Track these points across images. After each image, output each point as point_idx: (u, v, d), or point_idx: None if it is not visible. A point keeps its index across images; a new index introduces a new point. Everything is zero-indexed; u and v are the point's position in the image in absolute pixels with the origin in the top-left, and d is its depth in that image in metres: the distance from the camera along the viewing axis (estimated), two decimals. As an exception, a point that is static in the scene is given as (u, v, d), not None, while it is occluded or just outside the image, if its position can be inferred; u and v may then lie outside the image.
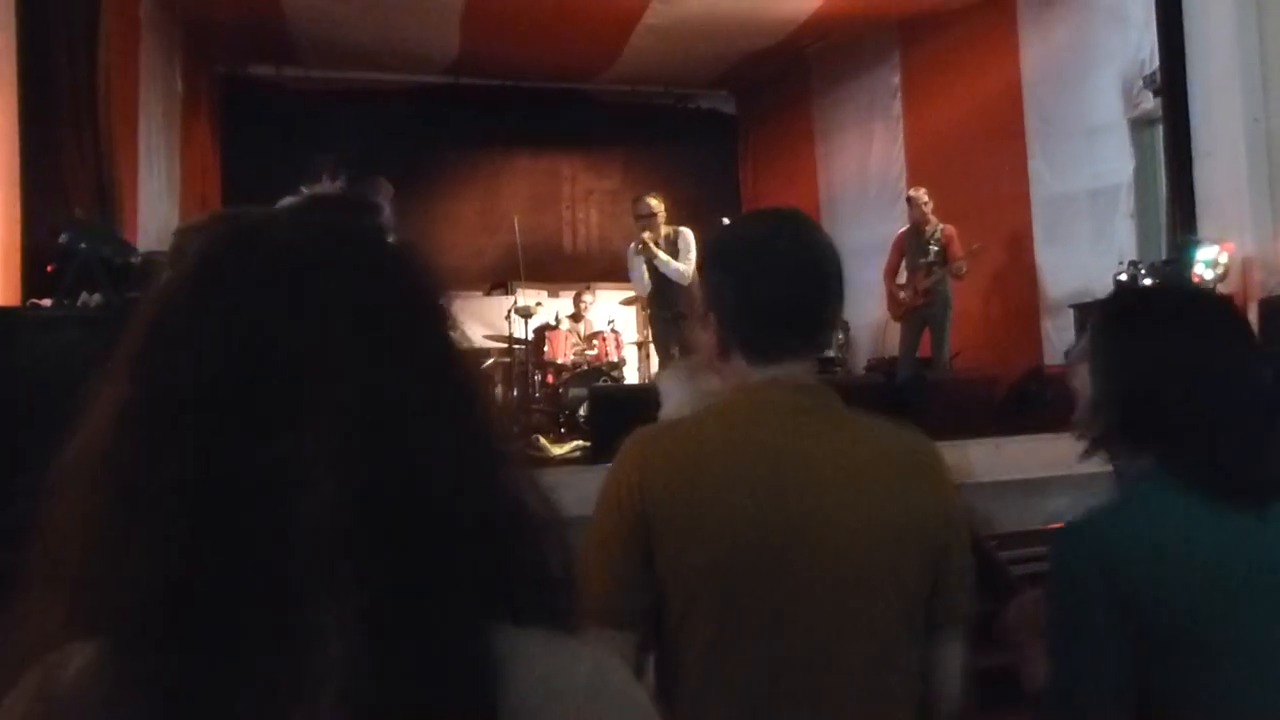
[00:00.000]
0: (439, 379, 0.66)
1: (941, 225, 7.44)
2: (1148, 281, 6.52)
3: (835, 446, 1.32)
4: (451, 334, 0.70)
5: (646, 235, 6.56)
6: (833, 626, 1.26)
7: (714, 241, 1.43)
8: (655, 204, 6.73)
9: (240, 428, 0.59)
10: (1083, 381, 1.45)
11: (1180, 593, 1.26)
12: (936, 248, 7.39)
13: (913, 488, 1.32)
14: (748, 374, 1.36)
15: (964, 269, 7.26)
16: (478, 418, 0.68)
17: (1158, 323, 1.40)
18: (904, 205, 7.88)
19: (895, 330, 7.98)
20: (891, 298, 7.68)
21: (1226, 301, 1.49)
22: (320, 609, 0.56)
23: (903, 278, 7.62)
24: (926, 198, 7.52)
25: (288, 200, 4.52)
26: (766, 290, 1.34)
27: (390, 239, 0.71)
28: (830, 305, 1.38)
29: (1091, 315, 1.49)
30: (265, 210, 0.71)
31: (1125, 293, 1.53)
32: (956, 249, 7.33)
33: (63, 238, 4.43)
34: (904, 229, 7.70)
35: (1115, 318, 1.46)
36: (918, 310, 7.47)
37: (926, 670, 1.34)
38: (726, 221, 1.44)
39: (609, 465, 1.34)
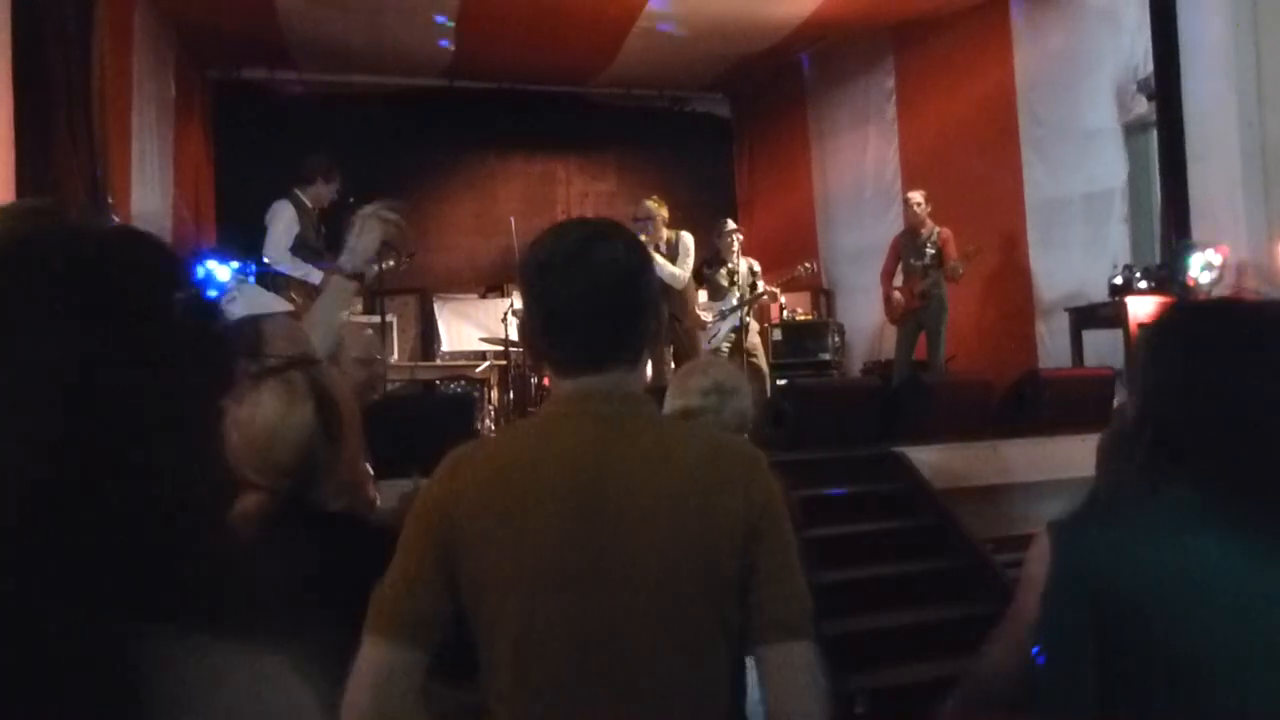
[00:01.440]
0: (153, 375, 0.65)
1: (938, 228, 7.45)
2: (1142, 285, 6.54)
3: (642, 454, 1.34)
4: (178, 335, 0.69)
5: (643, 239, 6.56)
6: (639, 631, 1.28)
7: (521, 259, 1.45)
8: (653, 207, 6.84)
9: None
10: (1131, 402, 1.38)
11: (1160, 615, 1.22)
12: (933, 250, 7.39)
13: (721, 492, 1.33)
14: (557, 386, 1.41)
15: (960, 271, 7.27)
16: (190, 422, 0.67)
17: (1196, 341, 1.33)
18: (899, 208, 7.90)
19: (891, 333, 8.00)
20: (888, 301, 7.68)
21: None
22: None
23: (899, 281, 7.62)
24: (922, 200, 7.54)
25: (278, 204, 4.51)
26: (557, 306, 1.36)
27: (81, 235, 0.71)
28: (627, 316, 1.37)
29: (1139, 341, 1.43)
30: None
31: (1172, 308, 1.42)
32: (952, 251, 7.34)
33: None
34: (900, 232, 7.70)
35: (1157, 335, 1.39)
36: (913, 313, 7.47)
37: (768, 688, 1.32)
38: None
39: None
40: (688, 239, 6.83)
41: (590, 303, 1.35)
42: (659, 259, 6.55)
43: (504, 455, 1.40)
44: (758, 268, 7.69)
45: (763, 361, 7.59)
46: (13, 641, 0.56)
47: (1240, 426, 1.26)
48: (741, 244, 7.66)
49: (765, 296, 7.69)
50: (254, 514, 1.73)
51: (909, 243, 7.54)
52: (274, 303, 5.66)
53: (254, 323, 2.69)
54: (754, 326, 7.72)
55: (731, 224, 7.83)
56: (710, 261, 7.53)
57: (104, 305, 0.66)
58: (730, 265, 7.55)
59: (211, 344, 0.72)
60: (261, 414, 1.80)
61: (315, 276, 5.79)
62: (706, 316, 7.45)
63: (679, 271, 6.67)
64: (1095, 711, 1.24)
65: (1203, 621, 1.21)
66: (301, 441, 1.82)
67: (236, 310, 2.65)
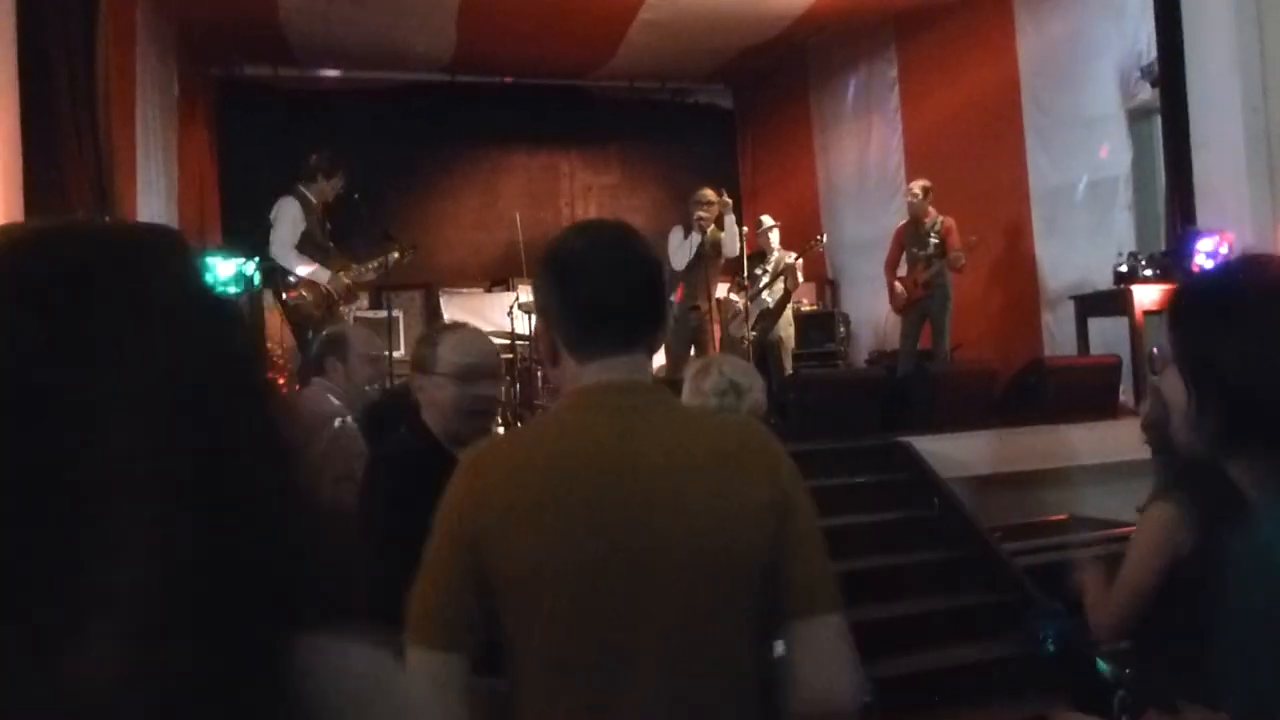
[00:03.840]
0: (234, 377, 0.67)
1: (941, 218, 7.44)
2: (1148, 272, 6.53)
3: (666, 441, 1.36)
4: (244, 333, 0.71)
5: (703, 216, 7.02)
6: (672, 619, 1.30)
7: (549, 245, 1.51)
8: (712, 194, 7.20)
9: (50, 418, 0.59)
10: (1173, 386, 1.26)
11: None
12: (936, 240, 7.38)
13: (746, 477, 1.36)
14: (578, 374, 1.42)
15: (962, 260, 7.27)
16: (269, 409, 0.69)
17: (1254, 303, 1.22)
18: (903, 198, 7.88)
19: (896, 323, 7.99)
20: (892, 291, 7.68)
21: None
22: (112, 574, 0.57)
23: (903, 271, 7.62)
24: (923, 191, 7.53)
25: (283, 200, 4.50)
26: (585, 291, 1.41)
27: (183, 249, 0.73)
28: (647, 305, 1.45)
29: (1172, 309, 1.31)
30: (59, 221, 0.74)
31: (1201, 277, 1.27)
32: (955, 241, 7.33)
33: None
34: (904, 222, 7.70)
35: (1199, 306, 1.28)
36: (917, 303, 7.47)
37: (794, 660, 1.35)
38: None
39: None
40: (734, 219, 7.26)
41: (629, 291, 1.42)
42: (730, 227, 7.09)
43: (525, 451, 1.41)
44: (796, 261, 7.80)
45: (786, 356, 7.70)
46: (188, 660, 0.57)
47: None
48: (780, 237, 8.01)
49: (786, 278, 7.79)
50: None
51: (912, 232, 7.53)
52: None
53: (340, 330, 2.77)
54: (787, 318, 7.82)
55: (769, 219, 8.15)
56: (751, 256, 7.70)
57: (193, 312, 0.67)
58: (775, 257, 7.87)
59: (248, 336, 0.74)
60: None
61: (323, 275, 5.81)
62: (737, 303, 7.55)
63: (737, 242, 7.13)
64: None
65: None
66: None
67: None
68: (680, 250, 7.01)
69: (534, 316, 1.44)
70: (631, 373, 1.42)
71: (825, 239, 7.73)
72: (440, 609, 1.32)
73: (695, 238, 6.95)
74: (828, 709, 1.35)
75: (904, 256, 7.62)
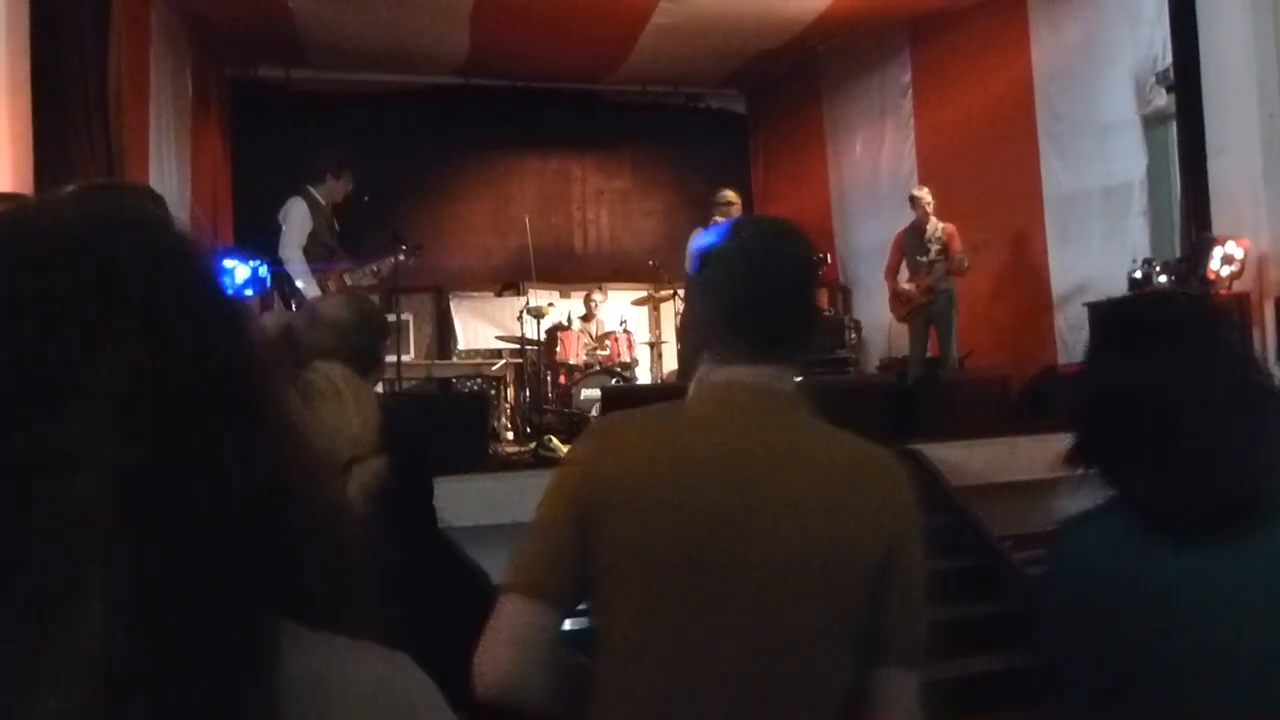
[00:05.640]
0: (222, 367, 0.64)
1: (942, 224, 7.46)
2: (1162, 279, 6.48)
3: (788, 449, 1.35)
4: (239, 325, 0.68)
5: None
6: (756, 621, 1.28)
7: (728, 234, 1.48)
8: (733, 195, 7.31)
9: (10, 411, 0.58)
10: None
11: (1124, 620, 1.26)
12: (937, 246, 7.40)
13: (862, 501, 1.34)
14: (713, 373, 1.41)
15: (966, 263, 7.27)
16: (268, 412, 0.66)
17: (1116, 345, 1.37)
18: (932, 201, 7.84)
19: (906, 330, 7.96)
20: (894, 297, 7.68)
21: (1213, 321, 1.35)
22: (80, 589, 0.55)
23: (904, 277, 7.62)
24: (929, 197, 7.54)
25: (291, 201, 4.39)
26: (740, 296, 1.39)
27: (176, 227, 0.70)
28: (800, 313, 1.44)
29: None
30: (43, 197, 0.69)
31: (1113, 304, 1.49)
32: (957, 246, 7.35)
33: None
34: (904, 229, 7.71)
35: (1097, 334, 1.44)
36: (922, 309, 7.47)
37: (872, 707, 1.35)
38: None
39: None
40: None
41: (775, 296, 1.40)
42: None
43: (651, 436, 1.40)
44: None
45: None
46: (153, 634, 0.56)
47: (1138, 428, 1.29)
48: None
49: None
50: (380, 480, 1.78)
51: (913, 239, 7.55)
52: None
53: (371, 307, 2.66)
54: None
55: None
56: None
57: (212, 298, 0.66)
58: None
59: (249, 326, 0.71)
60: (349, 393, 1.83)
61: (312, 293, 5.73)
62: None
63: None
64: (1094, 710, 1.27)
65: (1167, 622, 1.23)
66: (379, 412, 1.89)
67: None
68: None
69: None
70: (769, 379, 1.40)
71: (826, 258, 7.62)
72: (546, 562, 1.33)
73: None
74: None
75: (904, 264, 7.63)
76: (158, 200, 0.75)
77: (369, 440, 1.83)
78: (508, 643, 1.29)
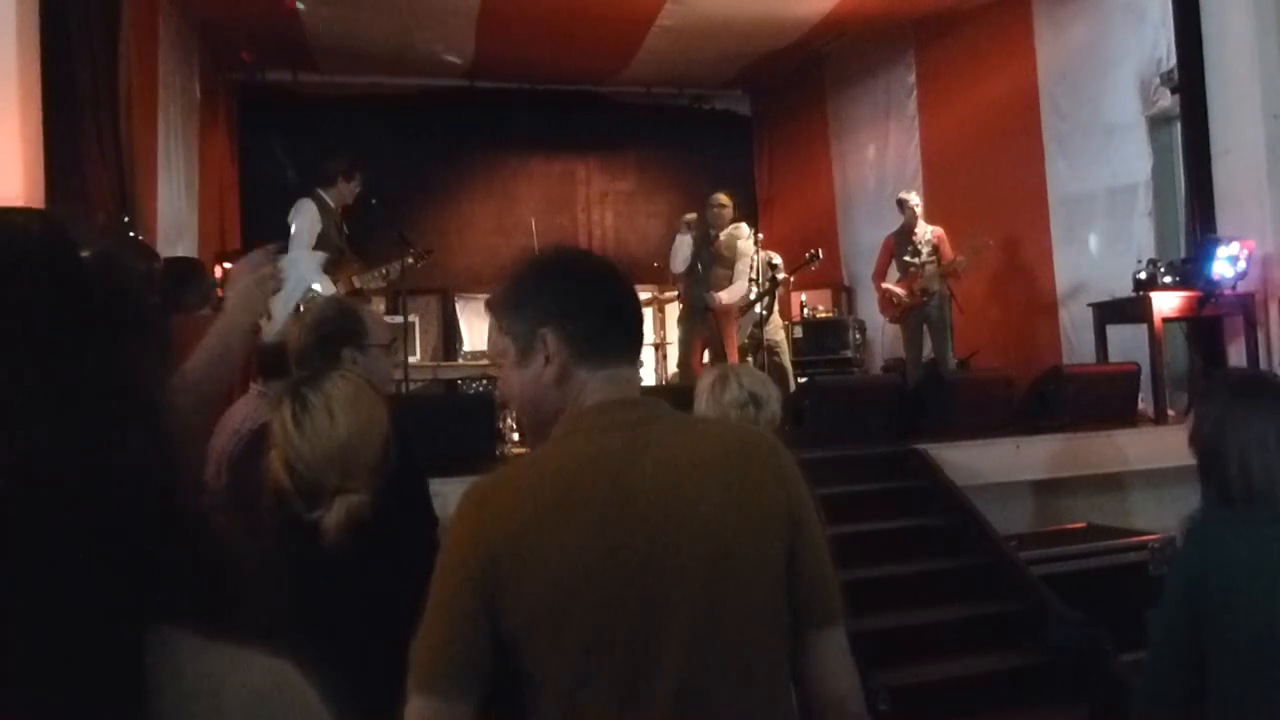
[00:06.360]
0: (78, 370, 0.64)
1: (930, 227, 7.51)
2: (1167, 279, 6.49)
3: (676, 452, 1.36)
4: (107, 329, 0.67)
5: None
6: (692, 627, 1.29)
7: (535, 264, 1.51)
8: (726, 198, 7.41)
9: None
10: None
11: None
12: (928, 249, 7.44)
13: (757, 484, 1.36)
14: (583, 387, 1.39)
15: (965, 264, 7.29)
16: (141, 417, 0.66)
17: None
18: (921, 204, 7.87)
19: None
20: (884, 300, 7.71)
21: None
22: None
23: (895, 280, 7.65)
24: (918, 200, 7.60)
25: (301, 202, 4.34)
26: (597, 297, 1.44)
27: (62, 241, 0.69)
28: (640, 311, 1.50)
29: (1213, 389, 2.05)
30: None
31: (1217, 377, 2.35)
32: (947, 249, 7.42)
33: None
34: (893, 232, 7.73)
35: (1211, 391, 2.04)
36: (915, 311, 7.50)
37: (811, 671, 1.37)
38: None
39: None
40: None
41: (622, 294, 1.47)
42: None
43: (534, 473, 1.38)
44: (777, 260, 7.72)
45: (785, 358, 7.61)
46: (21, 640, 0.57)
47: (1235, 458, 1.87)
48: (760, 240, 7.71)
49: (779, 286, 7.68)
50: (358, 518, 1.72)
51: (903, 242, 7.58)
52: (325, 280, 5.67)
53: (351, 307, 2.56)
54: (778, 321, 7.73)
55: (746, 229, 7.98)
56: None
57: (50, 306, 0.65)
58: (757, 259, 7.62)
59: (152, 332, 0.71)
60: (345, 415, 1.77)
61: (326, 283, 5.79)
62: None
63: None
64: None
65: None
66: (384, 437, 1.81)
67: (290, 285, 2.54)
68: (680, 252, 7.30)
69: (514, 341, 1.35)
70: (633, 388, 1.44)
71: (819, 254, 7.59)
72: (452, 654, 1.27)
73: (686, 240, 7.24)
74: (843, 715, 1.37)
75: (894, 266, 7.68)
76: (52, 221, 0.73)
77: (363, 466, 1.76)
78: None
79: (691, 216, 7.47)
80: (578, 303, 1.43)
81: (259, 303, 2.15)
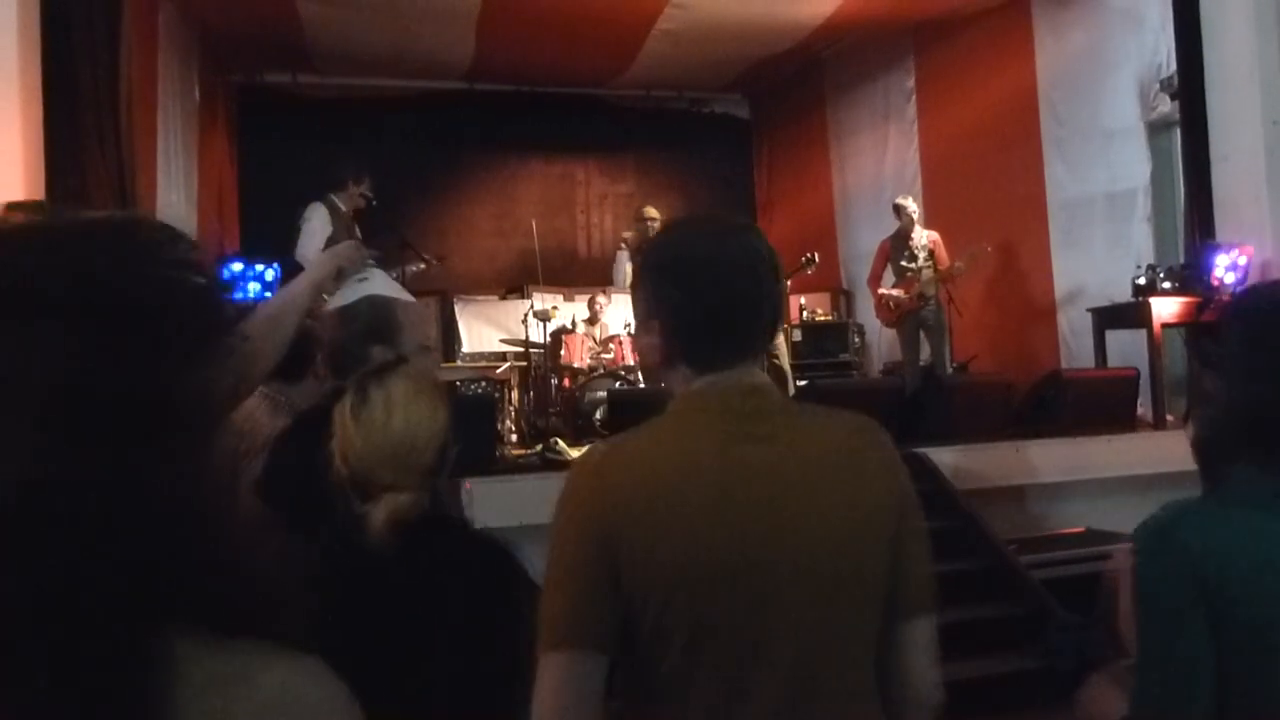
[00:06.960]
0: (81, 374, 0.63)
1: (927, 232, 7.53)
2: (1166, 285, 6.50)
3: (786, 443, 1.34)
4: (107, 331, 0.66)
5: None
6: (804, 620, 1.29)
7: (655, 251, 1.46)
8: (654, 211, 7.53)
9: None
10: (1213, 383, 1.46)
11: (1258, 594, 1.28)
12: (924, 253, 7.46)
13: (870, 471, 1.36)
14: (690, 379, 1.38)
15: (962, 269, 7.31)
16: (177, 424, 0.66)
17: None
18: (920, 209, 7.88)
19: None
20: (880, 304, 7.73)
21: None
22: None
23: (891, 284, 7.67)
24: (914, 206, 7.63)
25: (312, 206, 4.32)
26: (709, 299, 1.36)
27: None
28: (767, 311, 1.40)
29: (1233, 317, 1.45)
30: None
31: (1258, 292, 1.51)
32: (943, 254, 7.44)
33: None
34: (888, 236, 7.74)
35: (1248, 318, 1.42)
36: (911, 315, 7.51)
37: (900, 659, 1.38)
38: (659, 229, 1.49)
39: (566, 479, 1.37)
40: None
41: (742, 296, 1.37)
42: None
43: (649, 456, 1.35)
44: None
45: (784, 361, 7.62)
46: (25, 640, 0.57)
47: None
48: None
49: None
50: (403, 518, 1.70)
51: (900, 247, 7.60)
52: (402, 290, 5.71)
53: (385, 306, 2.53)
54: None
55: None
56: None
57: (87, 299, 0.64)
58: None
59: (211, 336, 0.71)
60: (402, 413, 1.76)
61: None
62: None
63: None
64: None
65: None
66: (442, 438, 1.80)
67: (370, 290, 2.52)
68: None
69: (633, 321, 1.36)
70: (748, 377, 1.38)
71: (815, 258, 7.59)
72: (583, 609, 1.27)
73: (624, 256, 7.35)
74: (928, 704, 1.41)
75: (889, 270, 7.69)
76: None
77: (416, 465, 1.76)
78: (561, 708, 1.25)
79: (629, 234, 7.56)
80: (679, 307, 1.37)
81: (327, 286, 2.19)
